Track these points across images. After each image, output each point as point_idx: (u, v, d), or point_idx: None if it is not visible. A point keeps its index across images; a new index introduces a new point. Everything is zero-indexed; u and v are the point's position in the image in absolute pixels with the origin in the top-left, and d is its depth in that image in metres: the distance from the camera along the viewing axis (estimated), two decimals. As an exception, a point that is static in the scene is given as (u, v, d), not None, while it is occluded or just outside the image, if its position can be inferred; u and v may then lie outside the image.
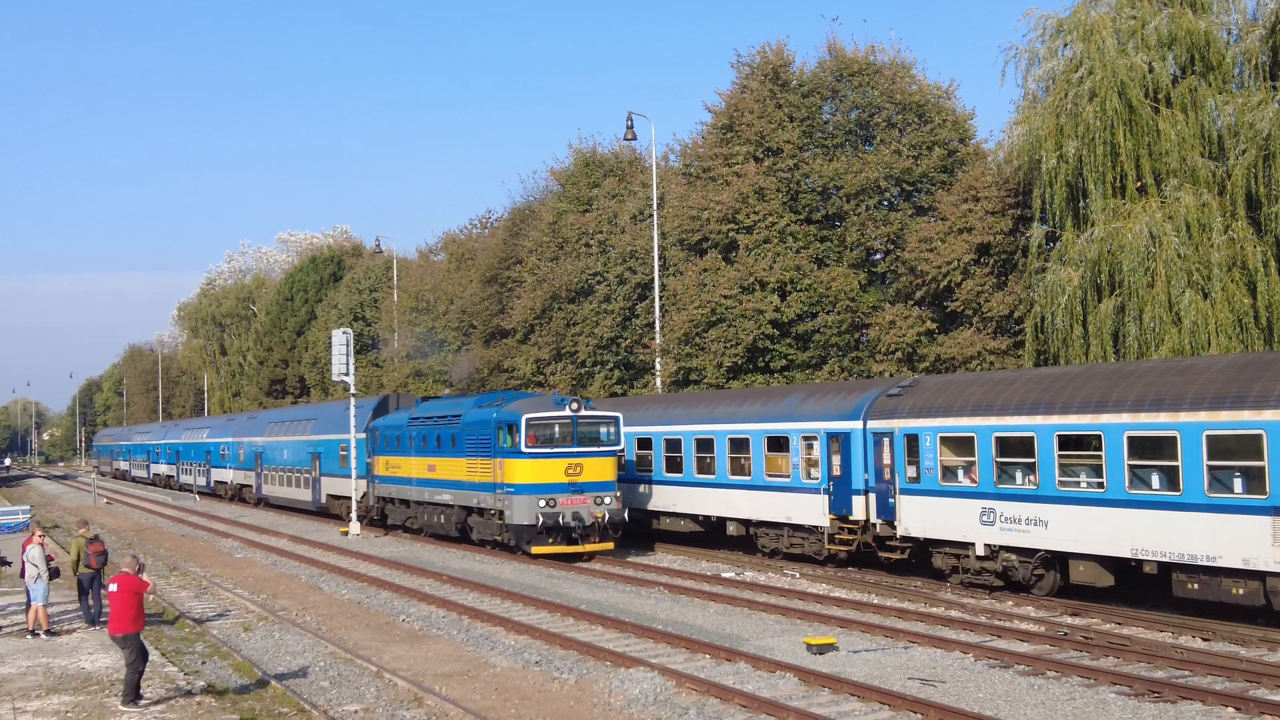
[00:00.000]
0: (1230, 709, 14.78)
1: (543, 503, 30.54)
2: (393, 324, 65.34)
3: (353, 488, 44.55)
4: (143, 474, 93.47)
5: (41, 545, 22.33)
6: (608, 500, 31.14)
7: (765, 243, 38.29)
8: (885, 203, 39.45)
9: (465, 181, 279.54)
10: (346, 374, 44.50)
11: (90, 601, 22.90)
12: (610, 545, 31.38)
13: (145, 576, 16.55)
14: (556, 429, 31.04)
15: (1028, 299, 31.99)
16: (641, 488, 34.90)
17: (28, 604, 21.98)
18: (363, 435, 44.12)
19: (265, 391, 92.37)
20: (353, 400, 45.18)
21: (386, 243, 72.30)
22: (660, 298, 39.57)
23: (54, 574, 22.31)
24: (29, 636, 21.42)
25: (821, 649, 18.74)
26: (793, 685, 16.58)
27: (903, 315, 36.02)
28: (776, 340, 37.84)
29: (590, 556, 31.45)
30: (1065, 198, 30.11)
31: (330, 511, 48.06)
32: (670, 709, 15.58)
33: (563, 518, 30.47)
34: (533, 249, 49.11)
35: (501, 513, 31.89)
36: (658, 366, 39.11)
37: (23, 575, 22.06)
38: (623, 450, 32.73)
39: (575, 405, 31.15)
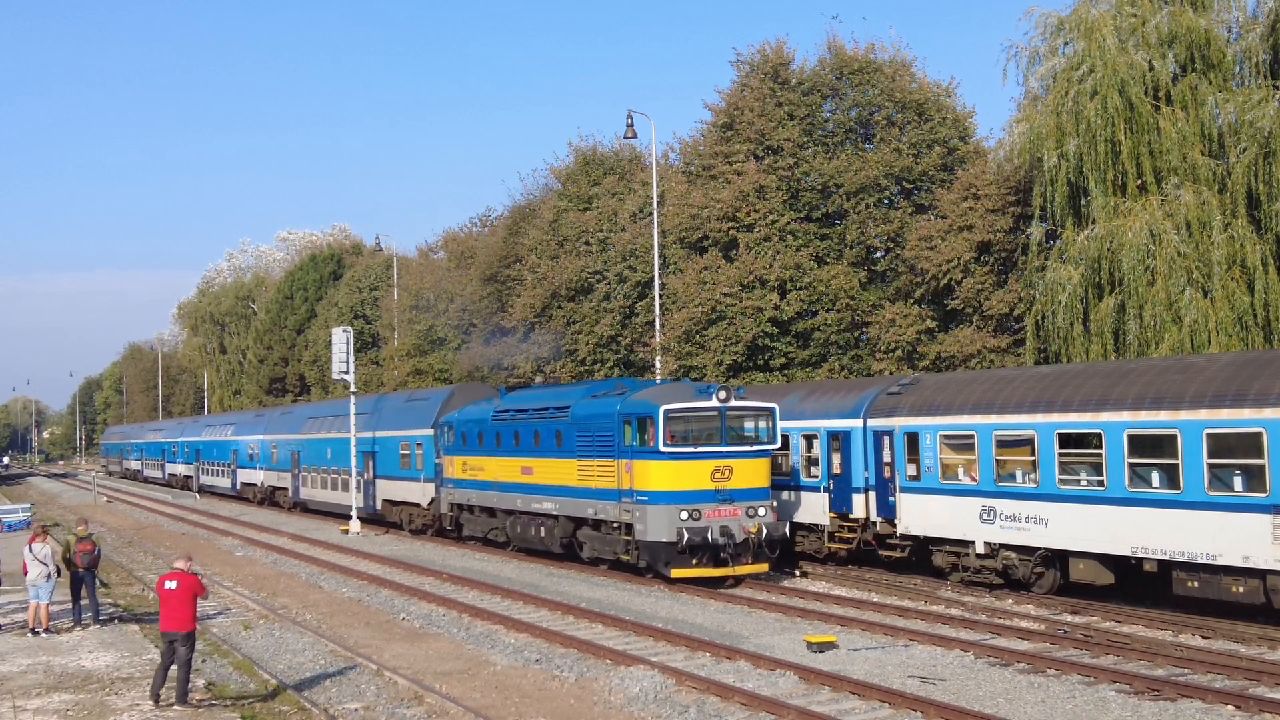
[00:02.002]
0: (1230, 707, 14.79)
1: (684, 515, 24.87)
2: (393, 322, 65.32)
3: (352, 487, 44.57)
4: (156, 474, 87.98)
5: (46, 543, 22.36)
6: (762, 511, 25.50)
7: (765, 241, 38.30)
8: (885, 201, 39.45)
9: (465, 180, 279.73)
10: (346, 372, 44.54)
11: (84, 600, 22.88)
12: (764, 567, 25.78)
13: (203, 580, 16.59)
14: (700, 424, 25.56)
15: (1028, 297, 31.99)
16: None
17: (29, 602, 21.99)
18: (395, 434, 40.86)
19: (265, 390, 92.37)
20: (353, 400, 45.21)
21: (386, 241, 72.36)
22: (660, 296, 39.57)
23: (58, 572, 22.33)
24: (30, 635, 21.42)
25: (821, 647, 18.75)
26: (793, 683, 16.59)
27: (903, 313, 36.03)
28: (776, 338, 37.86)
29: (739, 581, 26.02)
30: (1066, 196, 30.11)
31: (387, 519, 42.97)
32: (670, 707, 15.59)
33: (711, 533, 24.85)
34: (533, 247, 49.10)
35: (628, 526, 26.28)
36: (658, 365, 39.10)
37: (24, 573, 22.03)
38: (779, 449, 27.26)
39: (723, 394, 25.56)
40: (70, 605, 22.94)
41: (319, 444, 50.29)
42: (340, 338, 44.81)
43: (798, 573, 27.86)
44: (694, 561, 25.24)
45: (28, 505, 51.54)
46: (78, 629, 22.06)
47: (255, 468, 60.73)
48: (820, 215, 39.53)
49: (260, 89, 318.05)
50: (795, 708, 15.02)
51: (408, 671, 18.36)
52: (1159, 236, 27.69)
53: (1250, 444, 18.77)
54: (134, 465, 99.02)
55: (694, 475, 25.19)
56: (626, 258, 43.31)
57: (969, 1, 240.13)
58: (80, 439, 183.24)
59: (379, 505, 43.40)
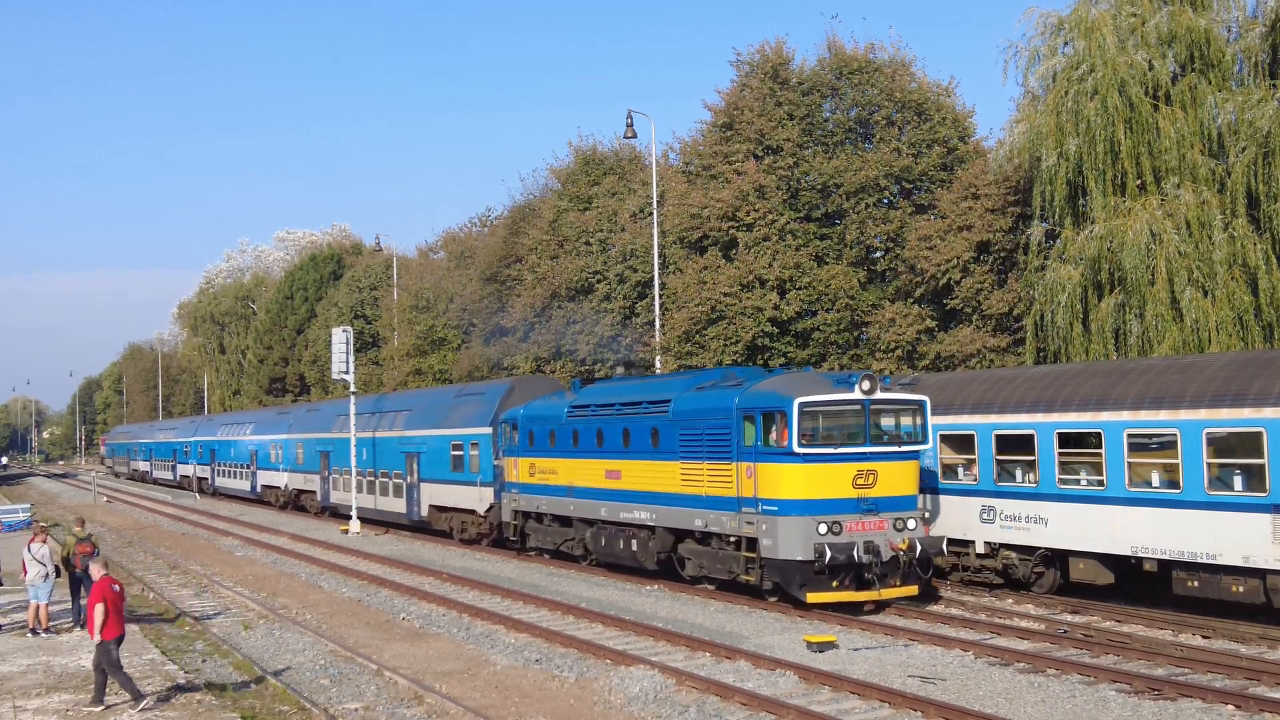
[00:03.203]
0: (1230, 706, 14.79)
1: (822, 528, 21.07)
2: (393, 322, 65.31)
3: (353, 485, 44.55)
4: (166, 475, 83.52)
5: (46, 543, 22.37)
6: (911, 524, 21.88)
7: (765, 240, 38.29)
8: (885, 201, 39.45)
9: (465, 180, 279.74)
10: (346, 372, 44.55)
11: (84, 600, 22.87)
12: (914, 590, 21.92)
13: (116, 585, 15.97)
14: (840, 419, 21.95)
15: (1028, 297, 32.00)
16: None
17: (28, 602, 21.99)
18: (445, 432, 37.20)
19: (265, 390, 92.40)
20: (352, 400, 45.20)
21: (386, 241, 72.34)
22: (660, 296, 39.56)
23: (57, 572, 22.34)
24: (29, 635, 21.42)
25: (821, 647, 18.75)
26: (793, 683, 16.59)
27: (902, 313, 36.04)
28: (776, 338, 37.86)
29: (883, 606, 22.13)
30: (1065, 195, 30.11)
31: (433, 527, 38.77)
32: (670, 707, 15.59)
33: (856, 550, 21.05)
34: (532, 247, 49.10)
35: (750, 541, 22.42)
36: (658, 364, 39.08)
37: (23, 574, 22.03)
38: (929, 450, 23.64)
39: (867, 384, 21.75)
40: (70, 605, 22.94)
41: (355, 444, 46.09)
42: (340, 338, 44.84)
43: (942, 594, 23.73)
44: (834, 584, 21.23)
45: (28, 505, 51.55)
46: (78, 629, 22.05)
47: (279, 469, 56.40)
48: (820, 215, 39.53)
49: (260, 89, 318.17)
50: (795, 707, 15.02)
51: (408, 671, 18.36)
52: (1159, 236, 27.70)
53: (1250, 444, 18.77)
54: (142, 466, 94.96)
55: (833, 481, 21.42)
56: (626, 258, 43.31)
57: (969, 1, 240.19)
58: (80, 439, 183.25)
59: (424, 512, 39.14)
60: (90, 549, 22.93)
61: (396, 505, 41.29)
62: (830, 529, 21.24)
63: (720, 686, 16.28)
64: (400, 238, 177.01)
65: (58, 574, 22.42)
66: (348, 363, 44.59)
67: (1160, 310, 27.59)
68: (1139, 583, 22.64)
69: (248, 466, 62.10)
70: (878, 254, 39.61)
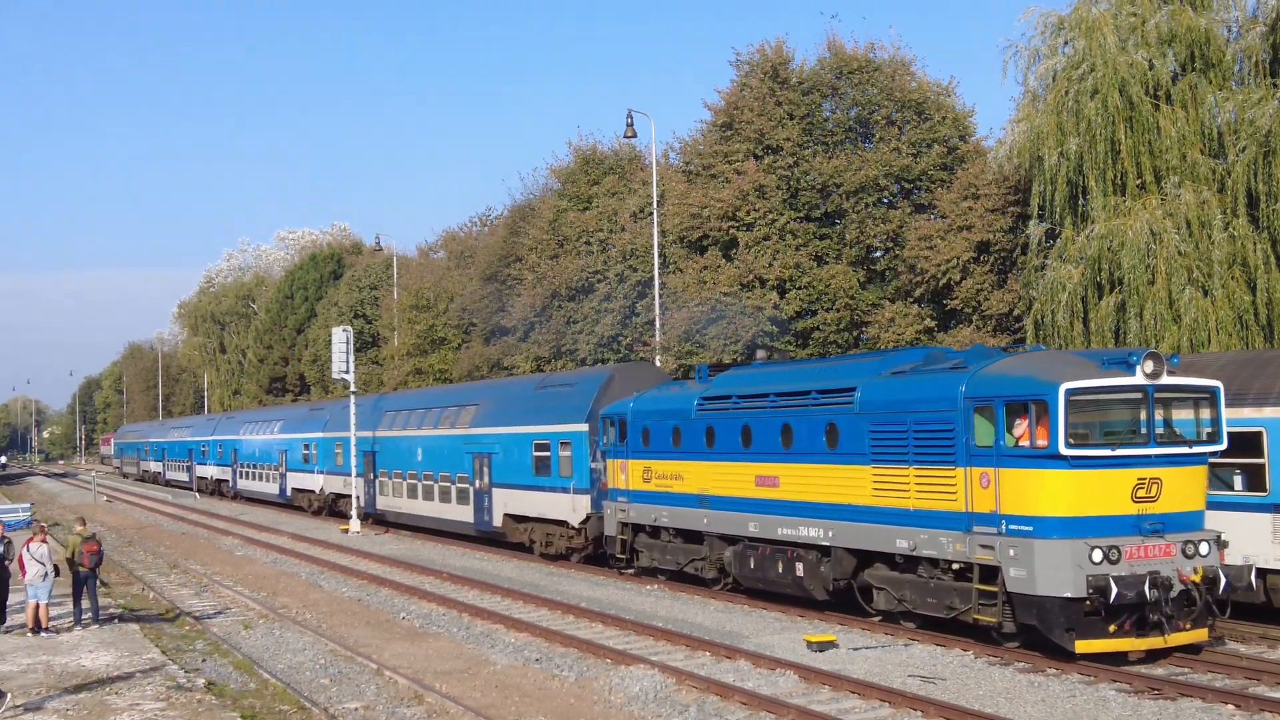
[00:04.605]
0: (1230, 706, 14.78)
1: (1096, 554, 16.31)
2: (393, 322, 65.33)
3: (353, 485, 44.54)
4: (180, 476, 79.04)
5: (45, 543, 22.39)
6: (1204, 548, 17.09)
7: (765, 240, 38.30)
8: (885, 200, 39.47)
9: (465, 180, 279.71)
10: (346, 371, 44.59)
11: (85, 601, 22.89)
12: (1204, 634, 17.24)
13: None
14: (1117, 412, 17.36)
15: (1027, 297, 32.01)
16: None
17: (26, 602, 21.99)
18: (525, 430, 32.62)
19: (265, 389, 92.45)
20: (353, 400, 45.20)
21: (386, 240, 72.30)
22: (660, 295, 39.57)
23: (55, 572, 22.35)
24: (29, 634, 21.43)
25: (822, 646, 18.75)
26: (793, 683, 16.59)
27: (902, 313, 36.06)
28: (776, 337, 37.88)
29: (1165, 654, 17.25)
30: (1066, 195, 30.12)
31: (508, 539, 33.93)
32: (670, 706, 15.60)
33: (1148, 586, 16.30)
34: (532, 247, 49.12)
35: (984, 570, 17.66)
36: (658, 364, 39.11)
37: (23, 572, 22.03)
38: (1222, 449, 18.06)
39: (1151, 366, 16.94)
40: (71, 605, 22.97)
41: (406, 443, 41.22)
42: (340, 337, 44.88)
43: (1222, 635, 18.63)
44: (1110, 628, 16.57)
45: (28, 505, 51.56)
46: (78, 628, 22.06)
47: (312, 471, 51.19)
48: (820, 214, 39.54)
49: (260, 88, 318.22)
50: (795, 707, 15.03)
51: (408, 671, 18.37)
52: (1159, 236, 27.70)
53: (1250, 443, 18.75)
54: (153, 467, 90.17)
55: (1108, 492, 16.75)
56: (626, 257, 43.32)
57: (969, 1, 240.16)
58: (80, 439, 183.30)
59: (497, 521, 34.10)
60: (96, 548, 22.99)
61: (460, 513, 36.40)
62: (1106, 555, 16.29)
63: (720, 686, 16.28)
64: (400, 237, 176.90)
65: (57, 573, 22.42)
66: (348, 362, 44.63)
67: (1160, 310, 27.61)
68: None
69: (275, 468, 57.18)
70: (877, 254, 39.63)
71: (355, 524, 43.10)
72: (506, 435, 33.88)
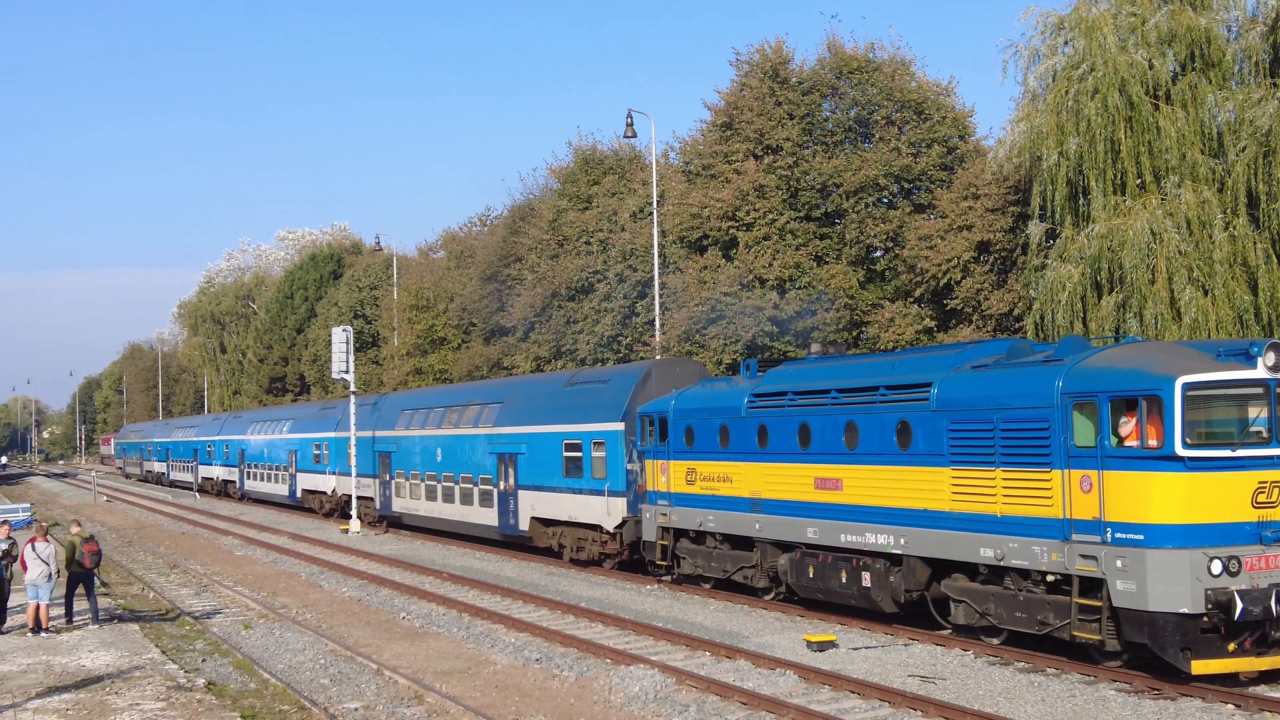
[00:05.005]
0: (1230, 706, 14.78)
1: (1215, 565, 15.16)
2: (393, 322, 65.35)
3: (353, 484, 44.56)
4: (185, 477, 77.34)
5: (49, 542, 22.40)
6: None
7: (765, 240, 38.31)
8: (884, 200, 39.47)
9: (465, 179, 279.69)
10: (346, 371, 44.61)
11: (83, 603, 22.91)
12: None
13: None
14: (1237, 409, 16.03)
15: (1028, 296, 32.01)
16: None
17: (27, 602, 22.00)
18: (554, 429, 31.22)
19: (265, 389, 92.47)
20: (353, 399, 45.21)
21: (386, 240, 72.41)
22: (660, 295, 39.57)
23: (58, 572, 22.37)
24: (29, 634, 21.43)
25: (822, 646, 18.75)
26: (793, 682, 16.59)
27: (902, 313, 36.07)
28: (776, 337, 37.88)
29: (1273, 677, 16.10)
30: (1066, 195, 30.12)
31: (535, 543, 32.35)
32: (670, 706, 15.60)
33: (1274, 601, 15.07)
34: (532, 247, 49.14)
35: (1085, 582, 16.26)
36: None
37: (24, 571, 22.04)
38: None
39: (1274, 358, 15.72)
40: (64, 605, 22.99)
41: (424, 443, 39.69)
42: (340, 337, 44.90)
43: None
44: (1230, 646, 15.33)
45: (28, 505, 51.59)
46: (76, 629, 22.07)
47: (324, 472, 49.96)
48: (820, 214, 39.53)
49: (261, 87, 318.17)
50: (795, 707, 15.03)
51: (408, 670, 18.38)
52: (1160, 235, 27.71)
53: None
54: (157, 467, 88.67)
55: (1227, 498, 15.44)
56: (626, 257, 43.34)
57: (969, 1, 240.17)
58: (80, 438, 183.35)
59: (523, 525, 32.67)
60: (97, 547, 23.09)
61: (483, 516, 34.89)
62: (1226, 567, 15.09)
63: (720, 685, 16.28)
64: (400, 237, 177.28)
65: (59, 573, 22.44)
66: (348, 362, 44.65)
67: (1160, 309, 27.61)
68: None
69: (285, 468, 55.82)
70: (877, 253, 39.63)
71: (355, 524, 43.11)
72: (534, 434, 32.37)
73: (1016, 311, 33.26)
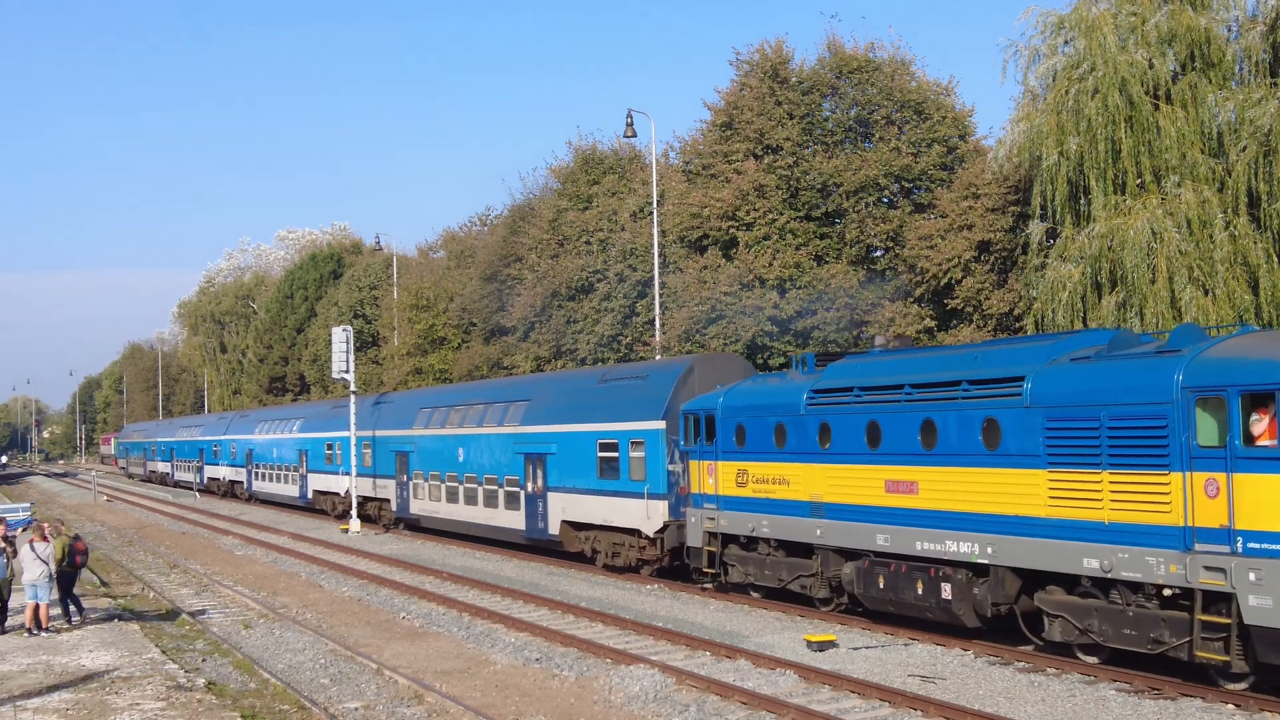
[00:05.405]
0: (1230, 705, 14.76)
1: None
2: (393, 321, 65.36)
3: (352, 485, 44.54)
4: (190, 478, 76.01)
5: (49, 542, 22.41)
6: None
7: (765, 239, 38.30)
8: (885, 200, 39.45)
9: (465, 179, 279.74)
10: (346, 371, 44.60)
11: (71, 601, 22.99)
12: None
13: None
14: None
15: (1028, 296, 32.01)
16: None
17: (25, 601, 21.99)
18: (587, 428, 29.69)
19: (265, 389, 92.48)
20: (353, 399, 45.20)
21: (386, 240, 72.45)
22: (660, 295, 39.56)
23: (55, 572, 22.39)
24: (28, 634, 21.42)
25: (822, 646, 18.74)
26: (793, 682, 16.59)
27: (902, 312, 36.05)
28: (776, 337, 37.87)
29: None
30: (1066, 195, 30.12)
31: (565, 548, 30.98)
32: (670, 706, 15.59)
33: None
34: (532, 246, 49.14)
35: (1207, 597, 14.88)
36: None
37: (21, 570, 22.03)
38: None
39: None
40: (60, 606, 23.01)
41: (445, 442, 38.02)
42: (340, 337, 44.90)
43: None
44: None
45: (28, 504, 51.57)
46: (75, 629, 22.06)
47: (337, 472, 48.49)
48: (820, 214, 39.52)
49: (261, 86, 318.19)
50: (795, 706, 15.03)
51: (408, 670, 18.37)
52: (1160, 235, 27.71)
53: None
54: (161, 467, 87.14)
55: None
56: (626, 257, 43.34)
57: (969, 1, 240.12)
58: (80, 438, 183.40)
59: (553, 529, 31.03)
60: (84, 546, 23.29)
61: (509, 520, 33.27)
62: None
63: (720, 685, 16.27)
64: (400, 237, 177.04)
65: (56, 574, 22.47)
66: (348, 362, 44.64)
67: (1160, 309, 27.60)
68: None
69: (295, 469, 54.24)
70: (878, 253, 39.61)
71: (355, 524, 43.10)
72: (565, 434, 30.73)
73: (1017, 311, 33.26)
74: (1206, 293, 27.58)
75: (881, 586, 19.77)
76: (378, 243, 70.86)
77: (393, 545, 37.98)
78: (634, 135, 39.96)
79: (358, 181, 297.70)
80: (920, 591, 18.92)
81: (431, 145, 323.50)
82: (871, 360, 21.65)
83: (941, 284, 34.91)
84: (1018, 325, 33.29)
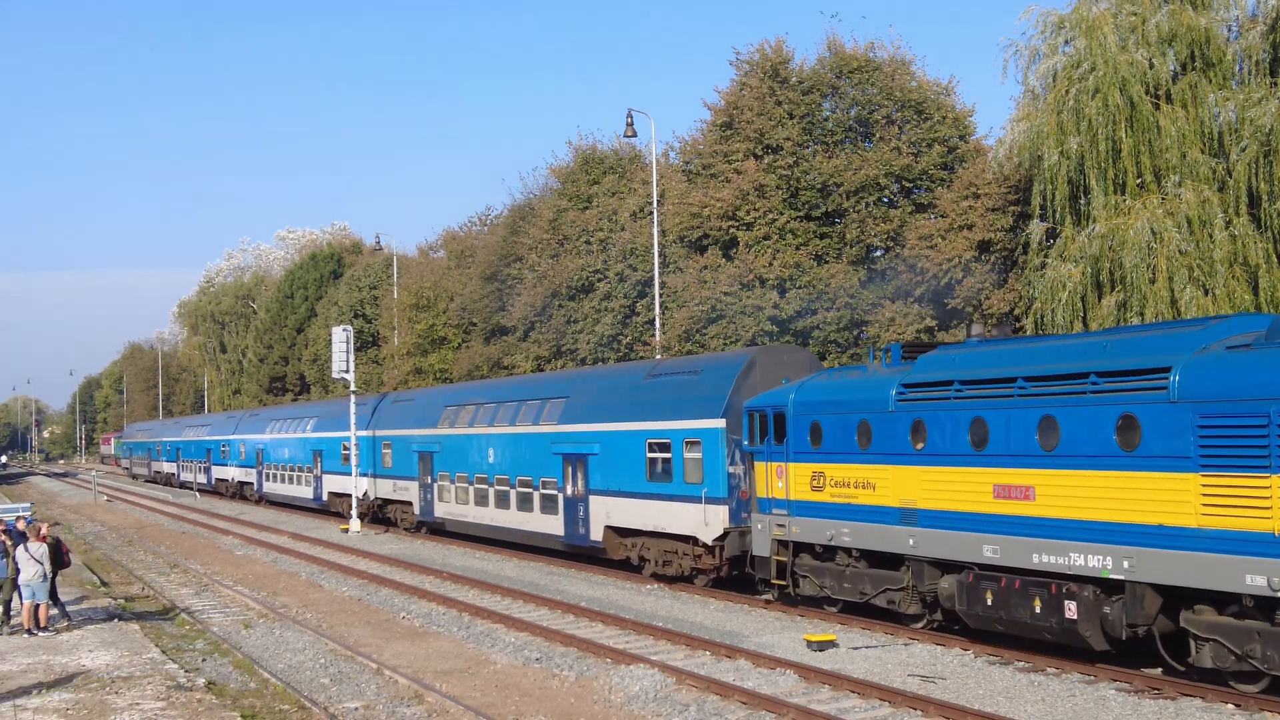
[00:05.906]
0: (1230, 705, 14.76)
1: None
2: (393, 321, 65.36)
3: (354, 485, 44.53)
4: (196, 478, 74.18)
5: (45, 542, 22.42)
6: None
7: (765, 239, 38.30)
8: (885, 200, 39.44)
9: (465, 179, 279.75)
10: (347, 371, 44.60)
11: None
12: None
13: None
14: None
15: (1028, 296, 32.01)
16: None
17: (22, 601, 21.96)
18: (634, 427, 27.58)
19: (265, 389, 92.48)
20: (353, 399, 45.18)
21: (386, 240, 72.50)
22: (660, 295, 39.55)
23: (49, 572, 22.40)
24: (26, 634, 21.42)
25: (822, 645, 18.74)
26: (793, 682, 16.58)
27: (902, 312, 36.05)
28: (776, 337, 37.86)
29: None
30: (1066, 194, 30.13)
31: (609, 555, 28.89)
32: (670, 706, 15.59)
33: None
34: (532, 246, 49.14)
35: None
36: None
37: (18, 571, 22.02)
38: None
39: None
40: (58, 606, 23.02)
41: (473, 442, 35.62)
42: (340, 337, 44.90)
43: None
44: None
45: (28, 504, 51.57)
46: (74, 630, 22.06)
47: (342, 473, 46.75)
48: (820, 214, 39.52)
49: (261, 88, 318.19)
50: (795, 706, 15.02)
51: (408, 670, 18.37)
52: (1160, 234, 27.71)
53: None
54: (166, 468, 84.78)
55: None
56: (626, 256, 43.34)
57: (969, 1, 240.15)
58: (80, 438, 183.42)
59: (595, 535, 28.79)
60: (67, 546, 23.44)
61: (546, 525, 31.03)
62: None
63: (720, 685, 16.27)
64: (400, 237, 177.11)
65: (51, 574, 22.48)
66: (348, 362, 44.64)
67: (1160, 309, 27.61)
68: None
69: (309, 470, 51.68)
70: (878, 253, 39.60)
71: (355, 524, 43.08)
72: (609, 433, 28.42)
73: (1017, 311, 33.27)
74: (1206, 293, 27.59)
75: (989, 603, 17.56)
76: (378, 243, 70.89)
77: (393, 545, 37.97)
78: (634, 135, 39.97)
79: (358, 181, 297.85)
80: (1038, 610, 16.75)
81: (431, 145, 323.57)
82: (972, 351, 19.29)
83: (942, 284, 34.90)
84: (1018, 325, 33.29)
